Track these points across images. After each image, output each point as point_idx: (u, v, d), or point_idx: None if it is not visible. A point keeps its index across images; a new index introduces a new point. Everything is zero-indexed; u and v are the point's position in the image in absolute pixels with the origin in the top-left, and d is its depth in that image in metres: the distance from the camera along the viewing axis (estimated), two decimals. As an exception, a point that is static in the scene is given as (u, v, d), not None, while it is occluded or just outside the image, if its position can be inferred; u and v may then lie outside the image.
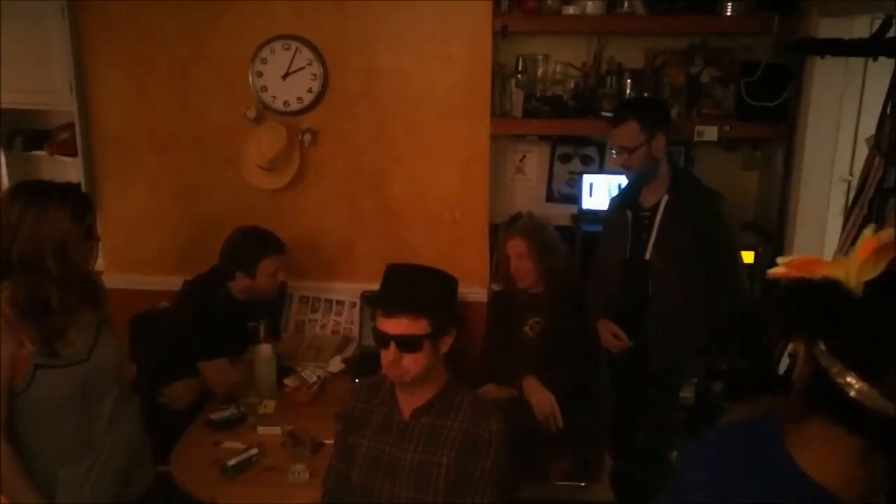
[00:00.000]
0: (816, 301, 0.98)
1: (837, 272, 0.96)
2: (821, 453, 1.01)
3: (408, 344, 1.75)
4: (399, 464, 1.83)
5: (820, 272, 0.98)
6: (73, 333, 1.91)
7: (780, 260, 1.03)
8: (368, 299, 1.84)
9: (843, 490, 0.99)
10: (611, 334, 2.72)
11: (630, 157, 2.59)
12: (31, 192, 1.89)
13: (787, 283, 1.00)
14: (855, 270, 0.95)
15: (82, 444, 1.96)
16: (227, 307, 2.80)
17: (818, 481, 1.00)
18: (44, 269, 1.83)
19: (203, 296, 2.81)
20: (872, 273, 0.95)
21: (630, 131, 2.57)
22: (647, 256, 2.65)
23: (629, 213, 2.72)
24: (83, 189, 3.26)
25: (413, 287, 1.84)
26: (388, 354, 1.78)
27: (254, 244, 2.81)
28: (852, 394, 0.93)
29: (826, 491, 1.00)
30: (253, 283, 2.80)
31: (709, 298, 2.60)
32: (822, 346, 0.96)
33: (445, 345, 1.83)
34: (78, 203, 1.91)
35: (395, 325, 1.75)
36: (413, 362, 1.76)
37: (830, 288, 0.97)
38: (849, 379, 0.93)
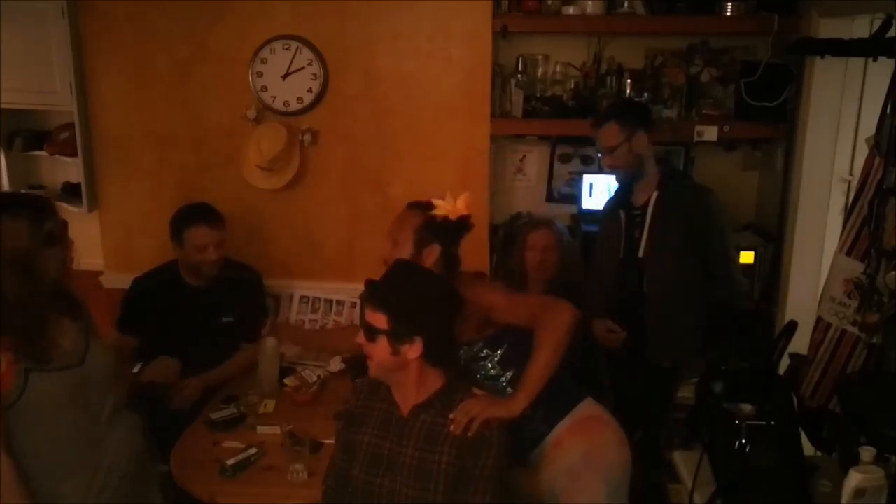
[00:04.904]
0: None
1: None
2: None
3: (367, 331, 1.83)
4: (399, 460, 1.83)
5: None
6: (60, 339, 1.85)
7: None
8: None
9: None
10: (606, 330, 2.73)
11: (613, 157, 2.66)
12: None
13: None
14: None
15: (81, 457, 1.89)
16: (177, 290, 2.84)
17: None
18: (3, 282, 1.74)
19: (145, 282, 2.85)
20: None
21: (610, 132, 2.65)
22: (641, 254, 2.68)
23: (622, 213, 2.75)
24: (83, 189, 3.28)
25: (388, 283, 1.87)
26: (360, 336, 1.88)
27: (183, 213, 2.84)
28: None
29: None
30: (183, 253, 2.82)
31: (705, 295, 2.61)
32: None
33: (410, 352, 1.81)
34: (34, 210, 1.79)
35: (367, 312, 1.86)
36: (372, 351, 1.84)
37: None
38: None
